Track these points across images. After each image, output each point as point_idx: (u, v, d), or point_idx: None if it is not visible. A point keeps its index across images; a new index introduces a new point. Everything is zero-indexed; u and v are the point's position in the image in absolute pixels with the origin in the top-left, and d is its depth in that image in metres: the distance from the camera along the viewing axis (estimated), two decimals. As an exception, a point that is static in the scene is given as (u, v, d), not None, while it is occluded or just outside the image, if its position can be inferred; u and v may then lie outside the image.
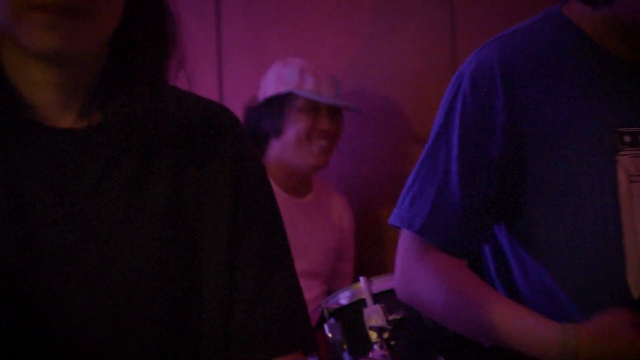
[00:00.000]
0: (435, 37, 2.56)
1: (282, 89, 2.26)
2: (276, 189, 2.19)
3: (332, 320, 1.70)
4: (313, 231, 2.33)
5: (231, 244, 1.00)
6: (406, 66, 2.58)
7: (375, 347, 1.60)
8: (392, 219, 1.34)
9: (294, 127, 2.25)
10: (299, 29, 2.64)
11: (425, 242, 1.29)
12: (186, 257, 0.98)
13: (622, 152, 1.21)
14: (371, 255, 2.61)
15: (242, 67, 2.66)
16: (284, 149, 2.27)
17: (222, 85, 2.67)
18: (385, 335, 1.60)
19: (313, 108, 2.25)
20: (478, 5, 2.53)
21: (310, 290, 2.23)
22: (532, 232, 1.26)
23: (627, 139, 1.21)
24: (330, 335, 1.69)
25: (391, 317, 1.61)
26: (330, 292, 2.40)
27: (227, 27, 2.67)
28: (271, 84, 2.29)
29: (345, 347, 1.68)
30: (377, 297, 1.65)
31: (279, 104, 2.25)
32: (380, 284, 1.67)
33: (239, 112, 2.26)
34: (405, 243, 1.32)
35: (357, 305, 1.67)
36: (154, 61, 0.96)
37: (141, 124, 0.94)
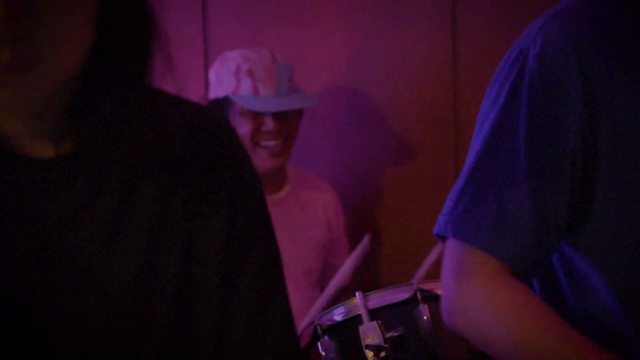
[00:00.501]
0: (435, 33, 2.54)
1: (221, 92, 2.19)
2: None
3: (326, 337, 1.64)
4: (293, 226, 2.26)
5: (224, 273, 0.94)
6: (406, 64, 2.56)
7: None
8: (440, 229, 1.14)
9: (239, 132, 2.20)
10: (291, 28, 2.61)
11: (486, 259, 1.10)
12: (176, 288, 0.92)
13: None
14: (366, 261, 2.56)
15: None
16: None
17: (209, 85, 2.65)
18: (383, 354, 1.55)
19: (252, 111, 2.16)
20: (479, 0, 2.52)
21: (302, 290, 2.19)
22: (596, 244, 1.11)
23: None
24: (323, 353, 1.63)
25: (389, 335, 1.56)
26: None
27: (214, 27, 2.63)
28: (212, 86, 2.23)
29: None
30: (373, 313, 1.61)
31: (220, 107, 2.18)
32: (378, 299, 1.63)
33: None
34: (456, 258, 1.12)
35: (353, 322, 1.62)
36: (133, 68, 0.88)
37: (117, 146, 0.87)
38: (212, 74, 2.25)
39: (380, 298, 1.63)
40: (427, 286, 1.63)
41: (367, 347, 1.56)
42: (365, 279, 2.22)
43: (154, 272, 0.91)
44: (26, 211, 0.87)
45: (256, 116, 2.16)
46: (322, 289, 2.31)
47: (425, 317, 1.57)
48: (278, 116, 2.17)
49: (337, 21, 2.58)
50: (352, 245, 2.43)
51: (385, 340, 1.55)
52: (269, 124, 2.16)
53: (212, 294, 0.94)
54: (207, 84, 2.55)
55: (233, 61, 2.18)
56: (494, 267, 1.09)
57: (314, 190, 2.37)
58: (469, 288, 1.10)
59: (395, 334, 1.56)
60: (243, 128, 2.16)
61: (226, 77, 2.18)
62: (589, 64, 1.05)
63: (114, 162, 0.88)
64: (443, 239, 1.14)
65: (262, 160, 2.17)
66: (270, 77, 2.16)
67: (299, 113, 2.25)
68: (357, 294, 1.61)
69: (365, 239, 2.06)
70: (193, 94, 2.57)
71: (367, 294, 1.62)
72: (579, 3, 1.11)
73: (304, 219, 2.30)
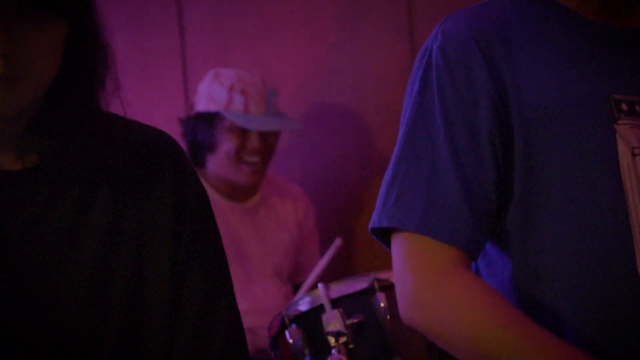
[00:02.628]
0: (394, 43, 2.62)
1: (212, 107, 2.27)
2: (218, 197, 2.23)
3: (293, 326, 1.72)
4: (263, 232, 2.34)
5: (173, 277, 0.99)
6: (367, 72, 2.63)
7: (334, 351, 1.63)
8: (375, 221, 1.10)
9: (225, 147, 2.27)
10: (258, 39, 2.68)
11: (439, 250, 1.06)
12: (128, 295, 0.97)
13: (620, 122, 1.08)
14: (341, 260, 2.64)
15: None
16: (219, 164, 2.29)
17: (188, 93, 2.68)
18: (343, 339, 1.63)
19: (242, 127, 2.26)
20: (435, 9, 2.56)
21: (273, 290, 2.25)
22: (524, 221, 1.09)
23: (624, 107, 1.09)
24: (291, 341, 1.71)
25: (349, 322, 1.64)
26: (296, 288, 2.42)
27: (191, 37, 2.70)
28: (202, 100, 2.31)
29: (306, 352, 1.71)
30: (335, 302, 1.68)
31: (209, 121, 2.27)
32: (339, 289, 1.70)
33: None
34: (406, 250, 1.08)
35: (317, 311, 1.69)
36: (85, 97, 0.96)
37: (72, 163, 0.94)
38: (203, 88, 2.32)
39: (341, 288, 1.70)
40: (383, 275, 1.69)
41: (329, 333, 1.64)
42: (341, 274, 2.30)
43: (109, 276, 0.96)
44: None
45: (243, 133, 2.25)
46: (293, 283, 2.40)
47: (382, 305, 1.65)
48: (263, 135, 2.27)
49: (301, 33, 2.65)
50: (322, 242, 2.53)
51: (346, 326, 1.63)
52: (254, 141, 2.25)
53: (163, 293, 0.99)
54: (185, 93, 2.64)
55: (227, 79, 2.27)
56: (447, 257, 1.05)
57: (284, 194, 2.45)
58: (425, 282, 1.05)
59: (355, 321, 1.64)
60: (229, 143, 2.25)
61: (219, 92, 2.26)
62: (488, 45, 1.08)
63: (73, 175, 0.95)
64: (379, 235, 1.12)
65: (242, 176, 2.26)
66: (261, 98, 2.27)
67: (278, 133, 2.35)
68: (319, 285, 1.69)
69: (338, 241, 2.17)
70: (173, 103, 2.65)
71: (329, 284, 1.70)
72: (478, 6, 1.15)
73: (274, 224, 2.38)
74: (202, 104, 2.30)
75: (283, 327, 1.74)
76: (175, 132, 2.22)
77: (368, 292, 1.70)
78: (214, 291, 1.02)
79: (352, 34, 2.63)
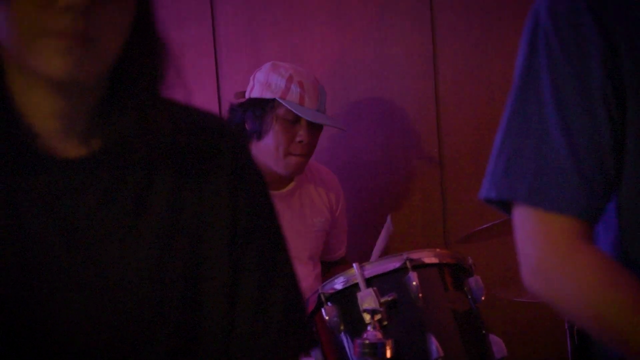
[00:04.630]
0: (416, 30, 2.67)
1: (267, 94, 2.26)
2: None
3: (328, 304, 1.78)
4: (296, 219, 2.37)
5: (231, 256, 1.01)
6: (389, 62, 2.69)
7: (369, 328, 1.69)
8: (485, 192, 1.07)
9: (274, 136, 2.25)
10: (292, 30, 2.74)
11: (561, 222, 1.02)
12: (188, 274, 0.98)
13: None
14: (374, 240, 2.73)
15: (238, 67, 2.75)
16: (262, 153, 2.27)
17: (220, 84, 2.75)
18: (378, 316, 1.69)
19: (293, 118, 2.26)
20: (456, 3, 2.65)
21: (303, 275, 2.28)
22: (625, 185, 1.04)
23: None
24: (327, 318, 1.76)
25: (383, 300, 1.70)
26: (326, 268, 2.50)
27: (224, 29, 2.76)
28: (258, 86, 2.29)
29: (342, 328, 1.76)
30: (370, 281, 1.74)
31: (262, 107, 2.25)
32: (372, 268, 1.76)
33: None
34: (523, 223, 1.05)
35: (352, 290, 1.75)
36: (149, 83, 0.97)
37: (138, 146, 0.95)
38: (261, 76, 2.30)
39: (375, 268, 1.76)
40: (415, 255, 1.77)
41: (365, 311, 1.69)
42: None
43: (168, 259, 0.97)
44: (52, 207, 0.93)
45: (293, 125, 2.25)
46: (323, 262, 2.49)
47: (414, 283, 1.72)
48: (311, 129, 2.27)
49: (329, 25, 2.71)
50: (351, 225, 2.60)
51: (380, 304, 1.69)
52: (303, 134, 2.24)
53: (222, 273, 1.00)
54: (217, 85, 2.67)
55: (285, 70, 2.27)
56: (566, 231, 1.02)
57: (317, 180, 2.48)
58: (547, 260, 1.03)
59: (389, 299, 1.70)
60: (279, 134, 2.24)
61: (277, 81, 2.25)
62: (598, 1, 1.03)
63: (134, 159, 0.95)
64: (492, 202, 1.09)
65: (286, 167, 2.26)
66: (315, 93, 2.27)
67: (321, 131, 2.35)
68: (354, 265, 1.75)
69: (388, 220, 2.16)
70: (207, 89, 2.72)
71: (363, 264, 1.75)
72: None
73: (307, 209, 2.41)
74: (257, 90, 2.29)
75: (319, 304, 1.80)
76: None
77: (401, 272, 1.75)
78: (273, 269, 1.04)
79: (376, 25, 2.68)
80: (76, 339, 0.93)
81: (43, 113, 0.93)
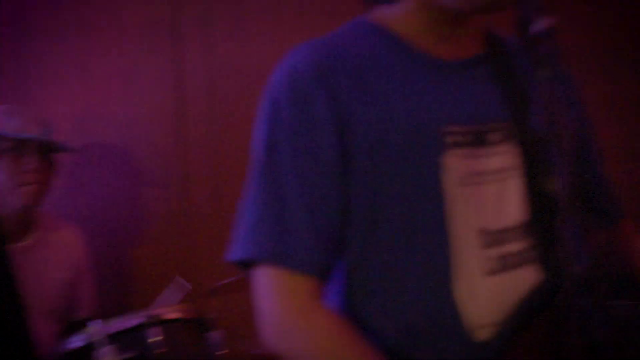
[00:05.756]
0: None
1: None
2: None
3: None
4: (38, 273, 2.33)
5: None
6: None
7: None
8: (232, 255, 1.13)
9: (2, 171, 2.24)
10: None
11: (297, 281, 1.11)
12: None
13: (448, 152, 1.13)
14: (116, 294, 2.67)
15: None
16: None
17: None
18: None
19: (19, 147, 2.26)
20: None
21: (48, 325, 2.24)
22: (363, 246, 1.14)
23: (453, 138, 1.14)
24: None
25: (122, 357, 1.71)
26: (70, 325, 2.41)
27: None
28: None
29: None
30: (112, 338, 1.74)
31: None
32: (116, 324, 1.76)
33: None
34: (265, 281, 1.12)
35: (92, 347, 1.74)
36: None
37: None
38: None
39: (119, 324, 1.77)
40: (156, 312, 1.80)
41: None
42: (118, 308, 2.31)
43: None
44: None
45: (21, 153, 2.24)
46: (69, 321, 2.38)
47: (156, 339, 1.74)
48: (42, 156, 2.28)
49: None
50: (100, 278, 2.54)
51: None
52: (32, 160, 2.24)
53: None
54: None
55: (1, 108, 2.28)
56: (306, 288, 1.11)
57: (59, 234, 2.44)
58: (286, 313, 1.11)
59: (130, 356, 1.71)
60: (5, 166, 2.23)
61: None
62: (331, 80, 1.13)
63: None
64: (241, 265, 1.15)
65: (18, 198, 2.22)
66: (37, 122, 2.30)
67: (55, 159, 2.35)
68: (95, 322, 1.75)
69: (180, 280, 2.19)
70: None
71: (106, 321, 1.75)
72: (321, 39, 1.19)
73: (50, 263, 2.36)
74: None
75: (58, 364, 1.76)
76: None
77: (143, 327, 1.77)
78: None
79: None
80: None
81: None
